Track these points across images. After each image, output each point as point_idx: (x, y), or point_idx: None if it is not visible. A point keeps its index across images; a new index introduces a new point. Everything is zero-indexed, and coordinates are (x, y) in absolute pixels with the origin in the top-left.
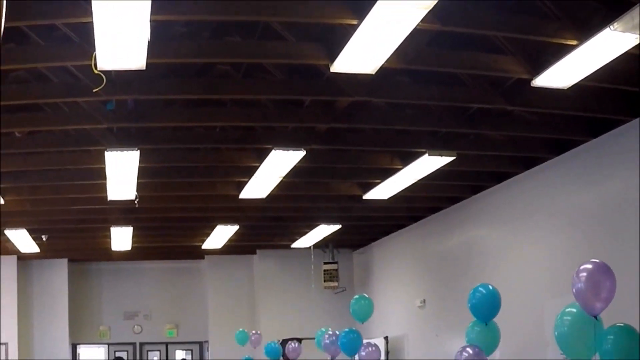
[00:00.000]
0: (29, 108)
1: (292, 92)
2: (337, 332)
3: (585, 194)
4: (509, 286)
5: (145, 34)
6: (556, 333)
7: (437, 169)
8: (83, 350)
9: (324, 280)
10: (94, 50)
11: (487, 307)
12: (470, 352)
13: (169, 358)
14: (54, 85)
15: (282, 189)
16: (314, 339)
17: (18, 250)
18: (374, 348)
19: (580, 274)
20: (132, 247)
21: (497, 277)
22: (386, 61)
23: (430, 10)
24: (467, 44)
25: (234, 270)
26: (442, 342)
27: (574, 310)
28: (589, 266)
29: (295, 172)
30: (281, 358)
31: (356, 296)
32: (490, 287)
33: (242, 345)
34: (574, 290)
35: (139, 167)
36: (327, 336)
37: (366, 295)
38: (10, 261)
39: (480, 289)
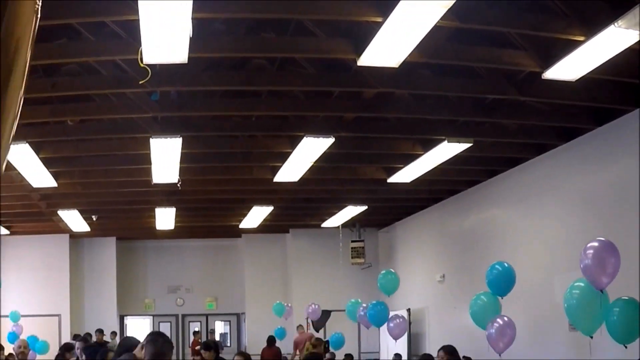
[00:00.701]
0: (81, 98)
1: (322, 84)
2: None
3: (591, 178)
4: (521, 262)
5: (187, 31)
6: (565, 306)
7: (455, 154)
8: (130, 321)
9: (352, 257)
10: (140, 45)
11: (503, 283)
12: (500, 322)
13: (209, 329)
14: (103, 77)
15: (312, 173)
16: (342, 310)
17: (70, 229)
18: (401, 319)
19: (587, 252)
20: (175, 226)
21: (511, 254)
22: (409, 55)
23: (449, 9)
24: (483, 40)
25: (269, 247)
26: (460, 314)
27: (582, 284)
28: (595, 244)
29: (325, 157)
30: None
31: (383, 271)
32: (506, 265)
33: (280, 316)
34: (581, 266)
35: (181, 152)
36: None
37: (392, 270)
38: (63, 239)
39: (497, 266)
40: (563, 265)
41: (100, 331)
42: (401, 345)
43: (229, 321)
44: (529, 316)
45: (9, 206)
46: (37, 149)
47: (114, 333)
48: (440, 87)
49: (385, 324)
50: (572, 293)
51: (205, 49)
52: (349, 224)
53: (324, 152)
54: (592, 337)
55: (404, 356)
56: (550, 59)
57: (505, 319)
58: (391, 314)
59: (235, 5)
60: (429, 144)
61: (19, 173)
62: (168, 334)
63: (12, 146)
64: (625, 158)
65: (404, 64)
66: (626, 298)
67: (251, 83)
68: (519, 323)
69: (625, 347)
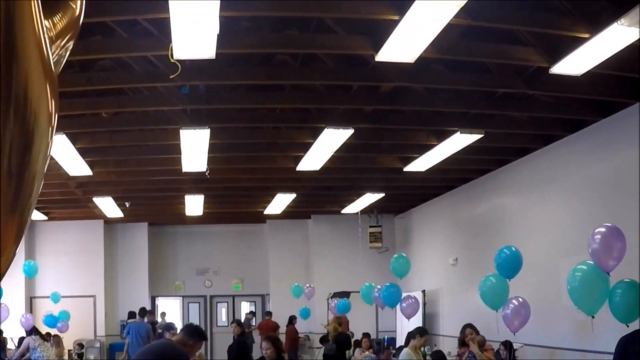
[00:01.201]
0: (114, 92)
1: (342, 78)
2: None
3: (595, 167)
4: (528, 246)
5: (215, 28)
6: (568, 287)
7: (467, 145)
8: (161, 302)
9: (370, 242)
10: (171, 41)
11: (510, 266)
12: (515, 303)
13: (235, 309)
14: (136, 72)
15: (333, 162)
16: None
17: (104, 215)
18: (413, 300)
19: (595, 236)
20: (203, 212)
21: (519, 239)
22: (424, 51)
23: (461, 8)
24: (493, 37)
25: (292, 232)
26: (472, 294)
27: (585, 267)
28: (603, 229)
29: (345, 147)
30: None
31: (395, 255)
32: (514, 249)
33: (297, 297)
34: (589, 250)
35: (210, 143)
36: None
37: (404, 255)
38: (98, 225)
39: (505, 250)
40: (568, 249)
41: (150, 312)
42: (416, 325)
43: (254, 302)
44: (536, 297)
45: (47, 193)
46: (73, 139)
47: (163, 314)
48: (453, 81)
49: (399, 305)
50: (574, 275)
51: (232, 45)
52: (367, 210)
53: (344, 143)
54: (593, 317)
55: None
56: (557, 55)
57: (520, 299)
58: (405, 295)
59: (260, 4)
60: (442, 135)
61: (57, 162)
62: (197, 314)
63: None
64: (627, 148)
65: (419, 59)
66: (628, 280)
67: (275, 77)
68: (527, 301)
69: (627, 326)
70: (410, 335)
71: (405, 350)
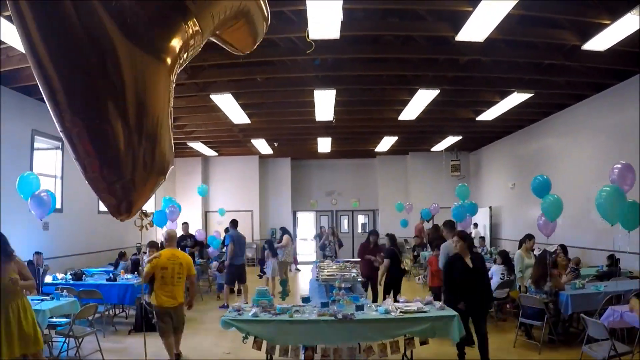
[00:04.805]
0: (266, 63)
1: (431, 53)
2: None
3: (613, 117)
4: (567, 177)
5: (339, 16)
6: (596, 204)
7: (521, 101)
8: (300, 215)
9: (451, 172)
10: (307, 26)
11: (540, 189)
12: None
13: (354, 220)
14: (282, 48)
15: (425, 114)
16: (446, 208)
17: (259, 152)
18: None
19: (615, 170)
20: (330, 150)
21: (559, 171)
22: (490, 33)
23: (517, 2)
24: (540, 23)
25: (395, 165)
26: (524, 210)
27: (608, 189)
28: (619, 165)
29: (433, 103)
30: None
31: (459, 184)
32: (545, 177)
33: (400, 211)
34: (610, 179)
35: (335, 100)
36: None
37: (466, 184)
38: (254, 159)
39: (539, 177)
40: (595, 178)
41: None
42: (484, 231)
43: (368, 215)
44: (571, 212)
45: (218, 136)
46: (236, 97)
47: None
48: (512, 55)
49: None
50: (601, 195)
51: (351, 29)
52: (449, 149)
53: (432, 100)
54: (612, 225)
55: (487, 239)
56: (587, 36)
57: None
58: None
59: (372, 1)
60: (504, 94)
61: (225, 114)
62: (326, 224)
63: (220, 96)
64: (638, 105)
65: (487, 39)
66: (631, 200)
67: (382, 52)
68: (566, 215)
69: (628, 232)
70: (522, 240)
71: (518, 252)
